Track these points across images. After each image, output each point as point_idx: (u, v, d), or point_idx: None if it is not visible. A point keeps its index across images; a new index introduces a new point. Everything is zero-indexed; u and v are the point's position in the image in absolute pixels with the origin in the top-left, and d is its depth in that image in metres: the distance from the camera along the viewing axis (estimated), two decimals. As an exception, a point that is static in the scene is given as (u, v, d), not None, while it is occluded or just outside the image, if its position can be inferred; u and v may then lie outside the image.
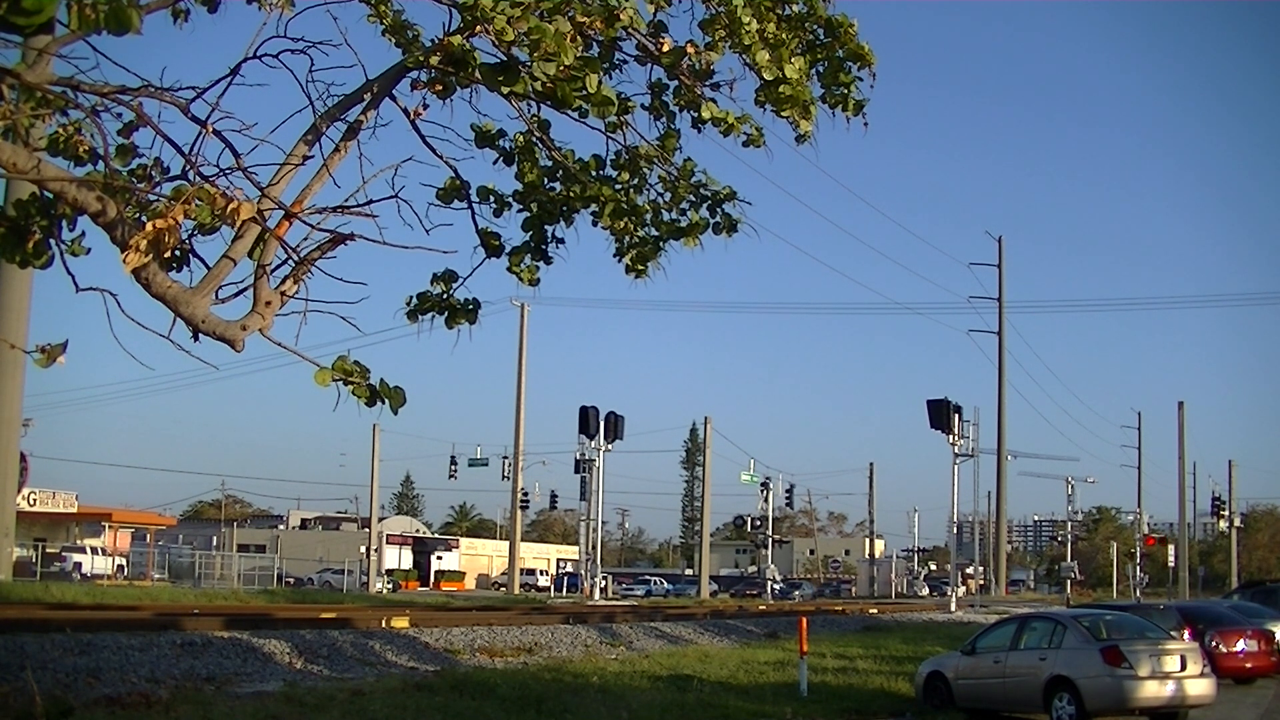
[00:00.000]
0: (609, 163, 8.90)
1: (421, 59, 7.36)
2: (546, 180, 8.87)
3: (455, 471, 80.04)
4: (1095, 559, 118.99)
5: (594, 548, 63.24)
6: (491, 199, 8.81)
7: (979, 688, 18.51)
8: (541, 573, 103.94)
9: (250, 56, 6.94)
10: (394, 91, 7.45)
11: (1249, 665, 23.28)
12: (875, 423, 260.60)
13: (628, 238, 9.10)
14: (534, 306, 76.26)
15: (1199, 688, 16.77)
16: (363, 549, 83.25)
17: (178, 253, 6.64)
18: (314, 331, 9.84)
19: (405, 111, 7.64)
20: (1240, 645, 23.23)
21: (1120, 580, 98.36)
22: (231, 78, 6.87)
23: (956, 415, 54.08)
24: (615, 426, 60.66)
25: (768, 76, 8.03)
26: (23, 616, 22.23)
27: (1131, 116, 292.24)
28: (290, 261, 6.79)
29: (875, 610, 51.35)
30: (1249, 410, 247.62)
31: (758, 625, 37.68)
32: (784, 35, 8.25)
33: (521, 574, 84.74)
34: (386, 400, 6.58)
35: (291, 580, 79.19)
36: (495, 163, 8.76)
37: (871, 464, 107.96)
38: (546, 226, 8.96)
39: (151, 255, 6.03)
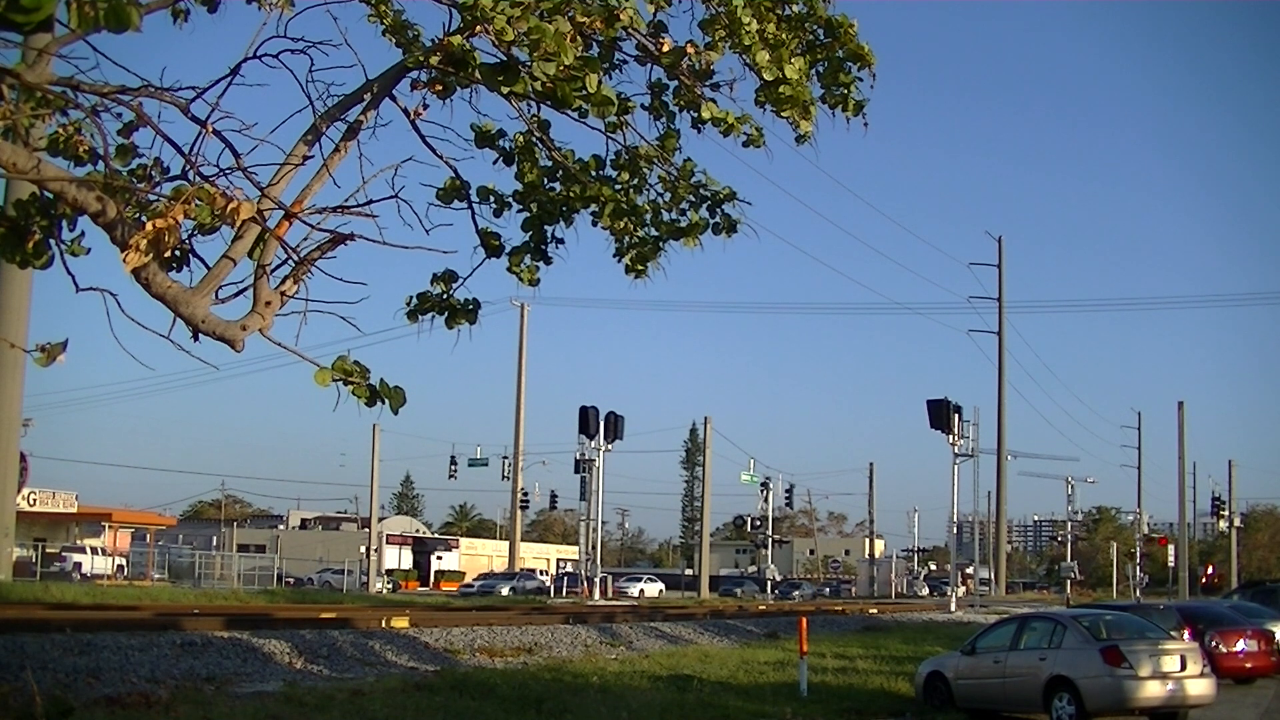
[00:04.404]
0: (609, 163, 8.89)
1: (421, 59, 7.35)
2: (546, 180, 8.86)
3: (455, 471, 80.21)
4: (1095, 559, 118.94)
5: (594, 548, 63.24)
6: (491, 199, 8.80)
7: (979, 688, 18.51)
8: (542, 573, 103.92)
9: (250, 56, 6.93)
10: (394, 91, 7.43)
11: (1249, 665, 23.28)
12: (875, 423, 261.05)
13: (628, 238, 9.09)
14: (534, 306, 76.53)
15: (1199, 688, 16.77)
16: (363, 549, 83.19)
17: (178, 253, 6.63)
18: (314, 331, 9.82)
19: (405, 111, 7.63)
20: (1240, 645, 23.23)
21: (1120, 580, 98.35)
22: (231, 78, 6.87)
23: (956, 415, 54.12)
24: (615, 426, 60.68)
25: (768, 77, 8.02)
26: (23, 616, 22.23)
27: (1131, 116, 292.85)
28: (290, 261, 6.78)
29: (875, 610, 51.36)
30: (1249, 410, 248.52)
31: (758, 625, 37.70)
32: (784, 35, 8.24)
33: (521, 574, 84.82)
34: (386, 400, 6.57)
35: (291, 580, 79.13)
36: (495, 163, 8.75)
37: (871, 464, 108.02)
38: (546, 226, 8.94)
39: (151, 255, 6.03)
